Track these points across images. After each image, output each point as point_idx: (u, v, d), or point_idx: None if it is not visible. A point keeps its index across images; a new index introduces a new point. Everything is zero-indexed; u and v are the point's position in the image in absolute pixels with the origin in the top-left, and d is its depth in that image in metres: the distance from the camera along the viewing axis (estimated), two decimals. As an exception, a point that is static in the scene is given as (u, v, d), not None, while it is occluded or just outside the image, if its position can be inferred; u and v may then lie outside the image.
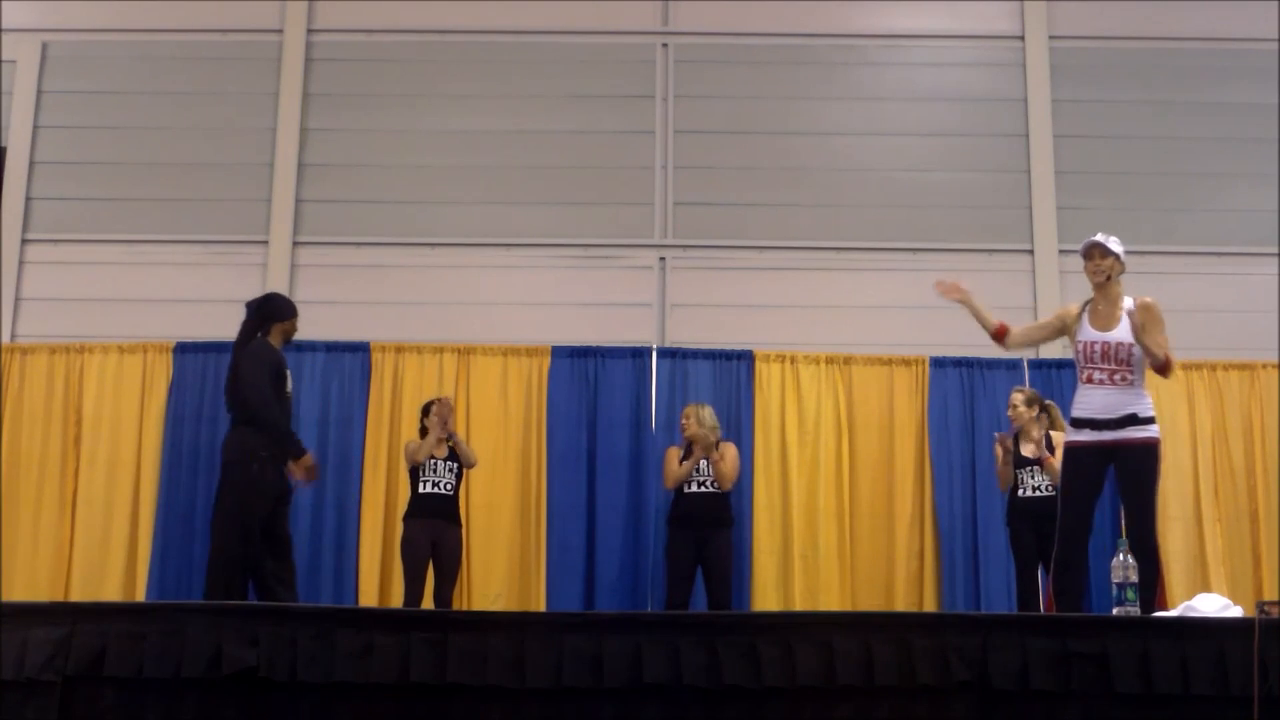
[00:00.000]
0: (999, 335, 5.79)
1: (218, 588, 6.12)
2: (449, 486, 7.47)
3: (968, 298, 5.81)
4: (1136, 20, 9.25)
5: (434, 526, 7.39)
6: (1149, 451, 5.45)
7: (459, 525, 7.55)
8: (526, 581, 8.07)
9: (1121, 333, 5.49)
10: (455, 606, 7.55)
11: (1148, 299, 5.50)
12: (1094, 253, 5.58)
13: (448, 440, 7.50)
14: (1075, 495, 5.58)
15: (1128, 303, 5.55)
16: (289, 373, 6.71)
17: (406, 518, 7.49)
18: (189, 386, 8.25)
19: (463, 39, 9.29)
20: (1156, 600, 5.32)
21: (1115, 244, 5.62)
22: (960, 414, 8.32)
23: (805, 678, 4.55)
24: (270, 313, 6.67)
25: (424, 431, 7.58)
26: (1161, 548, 8.06)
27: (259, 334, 6.61)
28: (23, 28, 9.22)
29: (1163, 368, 5.42)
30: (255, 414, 6.40)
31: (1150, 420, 5.47)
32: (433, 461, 7.45)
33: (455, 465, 7.50)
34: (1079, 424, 5.56)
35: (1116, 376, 5.47)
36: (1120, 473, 5.53)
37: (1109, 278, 5.56)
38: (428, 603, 7.35)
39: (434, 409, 7.54)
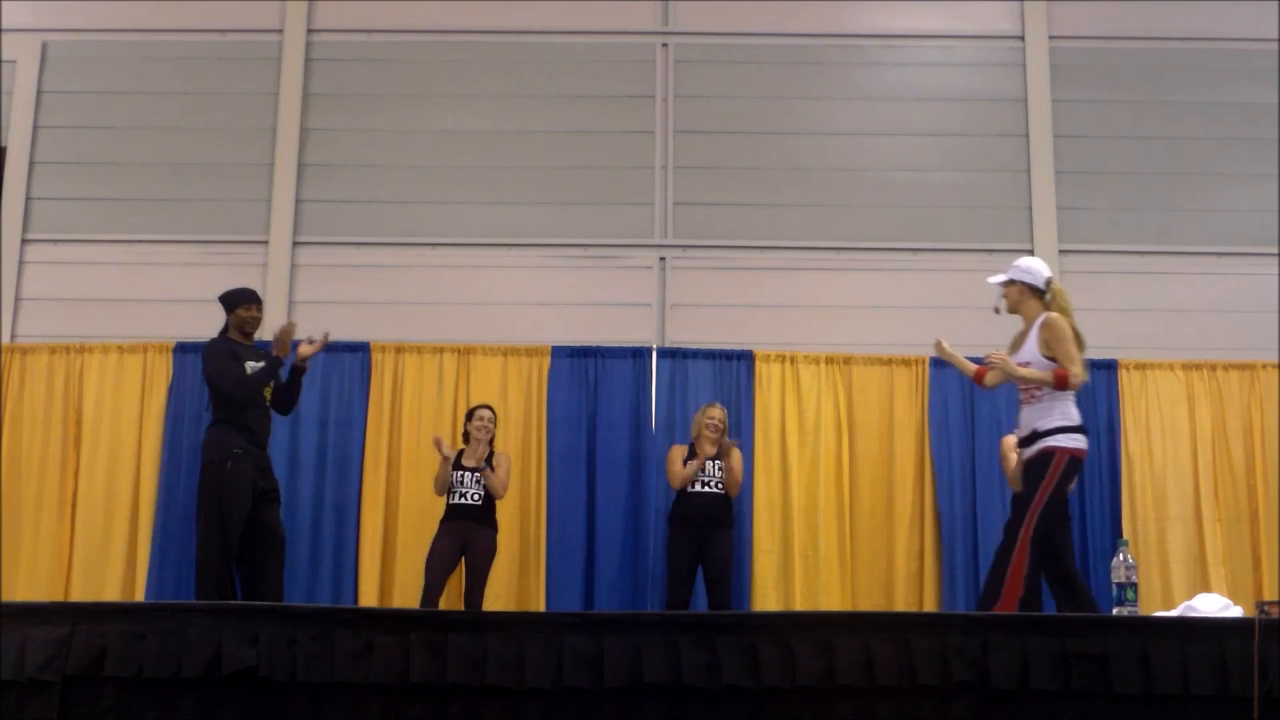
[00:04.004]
0: (978, 379, 6.02)
1: (208, 588, 6.14)
2: (476, 497, 7.45)
3: (955, 356, 6.08)
4: (1136, 20, 9.24)
5: (463, 528, 7.40)
6: (1041, 459, 5.55)
7: (492, 527, 7.51)
8: (526, 581, 8.06)
9: (1024, 353, 5.68)
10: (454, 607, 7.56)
11: (1051, 315, 5.65)
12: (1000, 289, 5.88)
13: (484, 468, 7.46)
14: (1012, 503, 5.81)
15: (1039, 320, 5.70)
16: (254, 362, 6.59)
17: (440, 523, 7.50)
18: (189, 386, 8.23)
19: (463, 39, 9.28)
20: (1003, 593, 5.35)
21: (1014, 270, 5.83)
22: (960, 414, 8.31)
23: (805, 678, 4.56)
24: (225, 308, 6.71)
25: (467, 437, 7.60)
26: (1161, 548, 8.14)
27: (222, 332, 6.65)
28: (23, 28, 9.21)
29: (1058, 382, 5.55)
30: (222, 388, 6.38)
31: (1051, 432, 5.55)
32: (460, 474, 7.46)
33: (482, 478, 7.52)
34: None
35: (1027, 395, 5.70)
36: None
37: (1011, 308, 5.83)
38: (455, 604, 7.37)
39: (475, 417, 7.57)
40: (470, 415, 7.65)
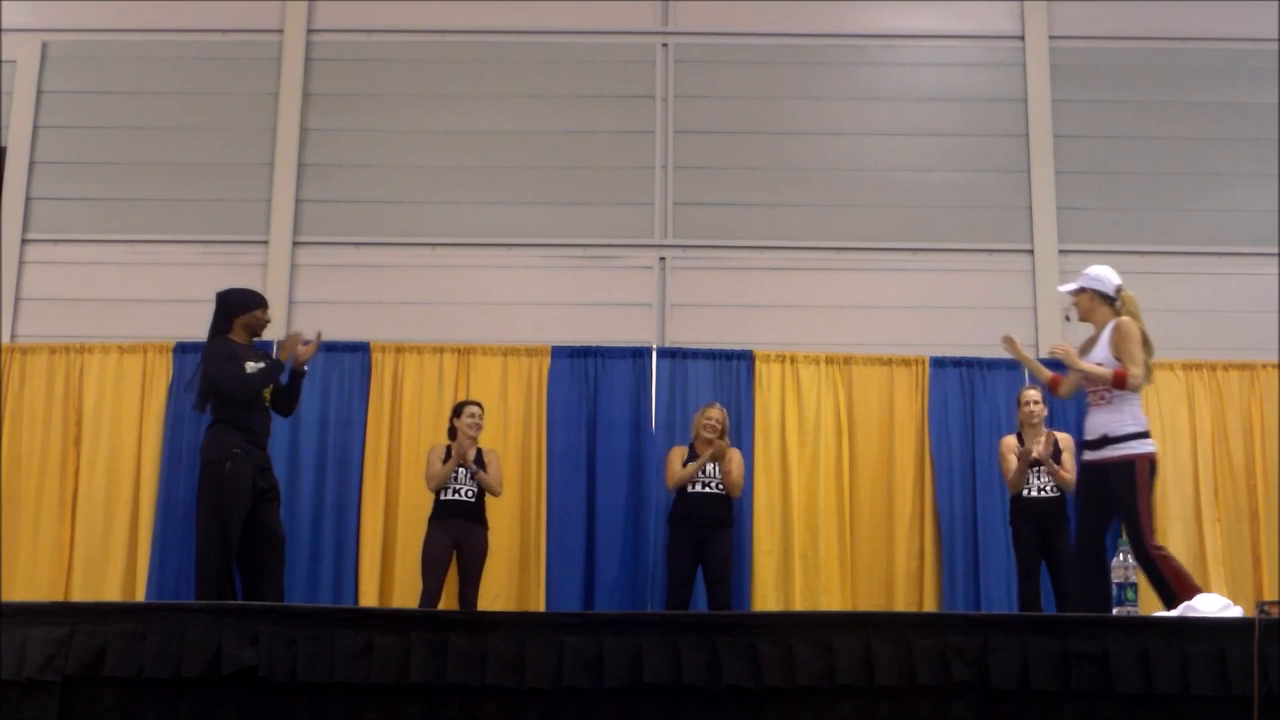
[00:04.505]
0: (1052, 386, 6.16)
1: (208, 587, 6.13)
2: (470, 494, 7.44)
3: (1028, 358, 6.29)
4: (1136, 20, 9.24)
5: (457, 527, 7.38)
6: (1123, 469, 5.60)
7: (484, 526, 7.51)
8: (526, 581, 8.07)
9: (1093, 358, 5.75)
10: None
11: (1123, 319, 5.71)
12: (1071, 297, 5.98)
13: (474, 466, 7.43)
14: (1079, 512, 5.92)
15: (1110, 325, 5.76)
16: (254, 363, 6.50)
17: (429, 520, 7.48)
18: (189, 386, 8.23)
19: (463, 39, 9.28)
20: (1179, 596, 5.36)
21: (1084, 278, 5.90)
22: (960, 414, 8.31)
23: (805, 678, 4.55)
24: (229, 308, 6.58)
25: (453, 433, 7.57)
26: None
27: (221, 332, 6.53)
28: (23, 28, 9.21)
29: (1116, 381, 5.62)
30: (222, 388, 6.35)
31: (1125, 438, 5.62)
32: (455, 470, 7.44)
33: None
34: (1081, 445, 5.96)
35: (1095, 397, 5.77)
36: (1108, 491, 5.69)
37: (1083, 315, 5.92)
38: (451, 604, 7.35)
39: (465, 414, 7.53)
40: (459, 411, 7.61)
